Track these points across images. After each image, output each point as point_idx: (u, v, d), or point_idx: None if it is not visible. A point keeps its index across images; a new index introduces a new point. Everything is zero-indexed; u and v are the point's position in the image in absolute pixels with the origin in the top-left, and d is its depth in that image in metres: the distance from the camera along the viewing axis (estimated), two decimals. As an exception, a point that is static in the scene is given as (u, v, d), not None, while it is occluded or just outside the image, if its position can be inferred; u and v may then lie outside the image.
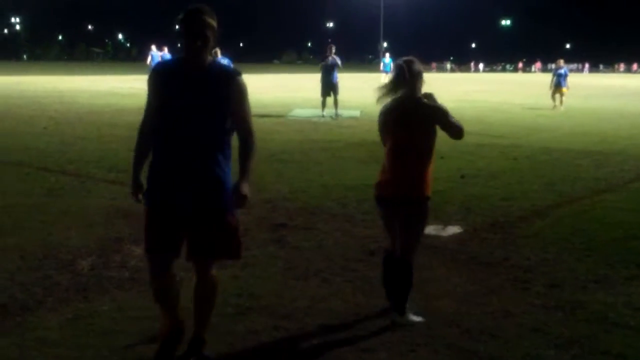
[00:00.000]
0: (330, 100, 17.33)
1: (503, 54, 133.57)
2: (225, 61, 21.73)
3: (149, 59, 30.31)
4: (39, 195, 7.39)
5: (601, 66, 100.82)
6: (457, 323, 3.95)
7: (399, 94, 3.82)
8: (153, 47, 30.38)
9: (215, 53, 22.78)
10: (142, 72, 30.62)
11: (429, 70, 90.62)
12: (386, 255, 4.08)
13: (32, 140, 12.01)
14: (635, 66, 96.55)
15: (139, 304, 4.12)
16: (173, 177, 3.17)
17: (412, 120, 3.78)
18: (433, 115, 3.80)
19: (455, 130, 3.84)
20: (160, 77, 3.21)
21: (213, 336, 3.53)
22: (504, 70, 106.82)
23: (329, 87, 17.41)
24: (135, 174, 3.32)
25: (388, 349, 3.61)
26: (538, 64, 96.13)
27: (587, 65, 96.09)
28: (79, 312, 4.04)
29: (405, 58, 3.89)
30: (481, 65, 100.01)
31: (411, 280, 3.95)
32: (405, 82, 3.79)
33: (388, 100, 3.91)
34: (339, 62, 17.52)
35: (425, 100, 3.83)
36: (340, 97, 17.58)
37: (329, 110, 17.20)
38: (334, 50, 17.48)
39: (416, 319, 3.96)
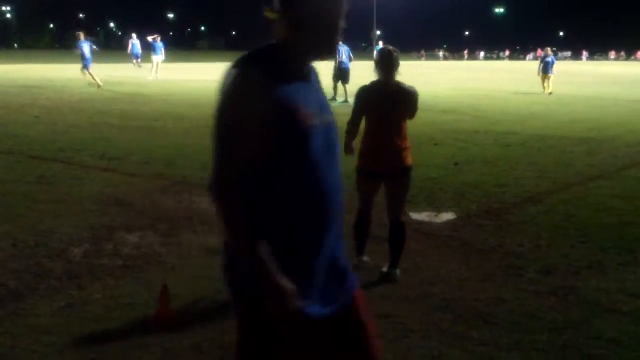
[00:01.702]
0: (340, 87, 17.56)
1: (497, 41, 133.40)
2: (87, 45, 21.24)
3: (130, 47, 30.36)
4: (30, 183, 7.34)
5: (586, 53, 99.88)
6: (450, 309, 3.96)
7: (381, 77, 4.33)
8: (133, 36, 30.39)
9: (78, 36, 22.11)
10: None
11: (419, 58, 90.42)
12: (360, 215, 4.53)
13: (24, 128, 11.93)
14: (639, 54, 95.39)
15: (132, 292, 4.11)
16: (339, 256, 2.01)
17: (398, 101, 4.31)
18: (412, 98, 4.35)
19: (415, 112, 4.42)
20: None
21: (207, 325, 3.52)
22: (498, 58, 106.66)
23: (339, 73, 17.52)
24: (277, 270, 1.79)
25: (381, 335, 3.59)
26: (539, 52, 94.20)
27: (584, 53, 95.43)
28: (72, 300, 4.02)
29: (389, 47, 4.43)
30: (482, 54, 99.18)
31: (405, 238, 4.51)
32: (391, 67, 4.29)
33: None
34: (343, 51, 17.41)
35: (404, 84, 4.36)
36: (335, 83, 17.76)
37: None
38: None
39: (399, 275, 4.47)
